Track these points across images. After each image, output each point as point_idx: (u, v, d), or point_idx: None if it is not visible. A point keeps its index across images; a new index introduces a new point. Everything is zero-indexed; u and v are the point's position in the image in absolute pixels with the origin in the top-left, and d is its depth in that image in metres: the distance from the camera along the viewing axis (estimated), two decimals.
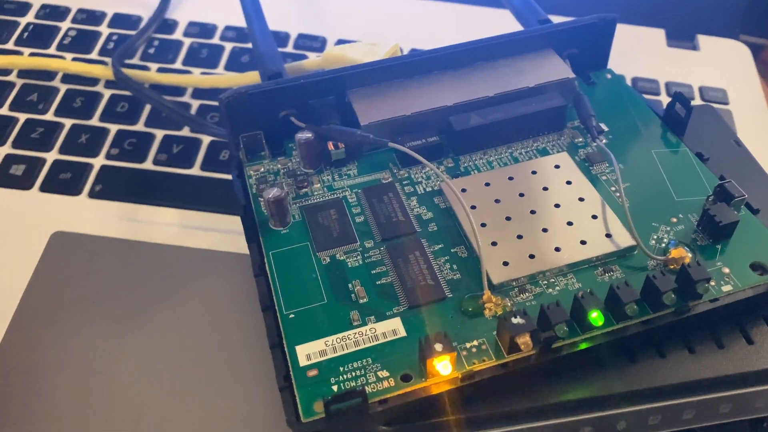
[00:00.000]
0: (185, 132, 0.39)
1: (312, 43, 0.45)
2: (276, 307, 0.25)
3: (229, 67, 0.43)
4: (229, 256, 0.34)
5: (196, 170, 0.37)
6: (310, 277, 0.26)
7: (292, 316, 0.24)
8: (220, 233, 0.35)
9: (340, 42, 0.45)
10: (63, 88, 0.41)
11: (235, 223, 0.35)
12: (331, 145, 0.30)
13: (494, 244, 0.26)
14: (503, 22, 0.39)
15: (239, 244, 0.33)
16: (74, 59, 0.43)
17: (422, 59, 0.31)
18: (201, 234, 0.35)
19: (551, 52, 0.33)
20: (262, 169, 0.30)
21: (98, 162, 0.37)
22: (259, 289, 0.26)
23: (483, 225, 0.27)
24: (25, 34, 0.44)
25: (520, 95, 0.31)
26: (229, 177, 0.37)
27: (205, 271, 0.33)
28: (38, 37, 0.44)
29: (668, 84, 0.44)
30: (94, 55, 0.43)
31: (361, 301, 0.25)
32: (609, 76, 0.35)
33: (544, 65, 0.32)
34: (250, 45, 0.44)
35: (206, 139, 0.39)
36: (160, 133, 0.39)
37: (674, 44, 0.48)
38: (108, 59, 0.42)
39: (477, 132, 0.30)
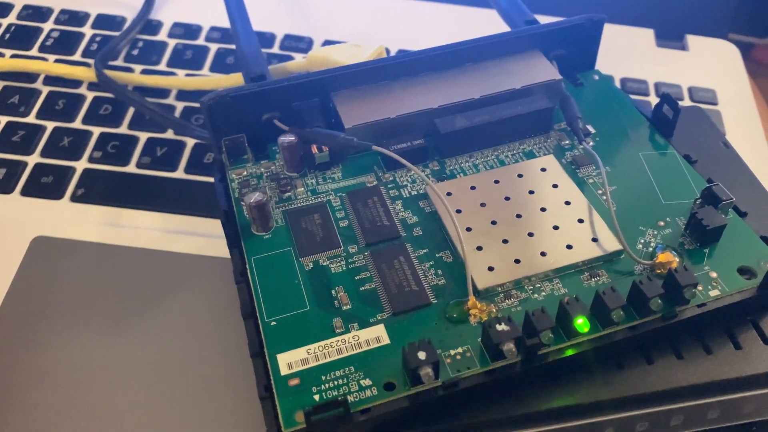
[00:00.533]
0: (169, 134, 0.38)
1: (298, 43, 0.44)
2: (257, 315, 0.24)
3: (214, 69, 0.42)
4: (213, 261, 0.33)
5: (180, 173, 0.37)
6: (292, 284, 0.25)
7: (273, 323, 0.24)
8: (204, 238, 0.34)
9: (327, 43, 0.44)
10: (45, 90, 0.40)
11: (219, 227, 0.35)
12: (315, 149, 0.29)
13: (479, 248, 0.26)
14: (490, 23, 0.38)
15: (223, 249, 0.33)
16: (56, 61, 0.42)
17: (407, 61, 0.31)
18: (184, 238, 0.34)
19: (538, 54, 0.33)
20: (245, 173, 0.30)
21: (81, 165, 0.37)
22: (241, 296, 0.25)
23: (468, 229, 0.26)
24: (7, 36, 0.43)
25: (506, 97, 0.31)
26: (213, 180, 0.36)
27: (188, 276, 0.32)
28: (20, 38, 0.43)
29: (657, 84, 0.44)
30: (77, 57, 0.43)
31: (344, 307, 0.24)
32: (596, 77, 0.34)
33: (531, 67, 0.32)
34: (231, 46, 0.44)
35: (190, 142, 0.38)
36: (143, 136, 0.38)
37: (663, 44, 0.48)
38: (91, 61, 0.42)
39: (463, 134, 0.29)
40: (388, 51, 0.44)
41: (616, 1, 0.48)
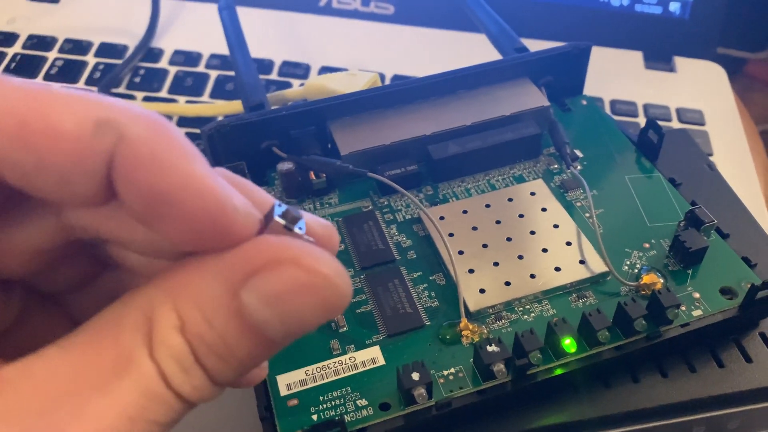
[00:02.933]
0: None
1: (295, 70, 0.45)
2: None
3: (214, 95, 0.44)
4: None
5: None
6: None
7: None
8: None
9: (324, 69, 0.46)
10: None
11: None
12: (312, 175, 0.30)
13: (471, 271, 0.27)
14: (481, 47, 0.40)
15: None
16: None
17: (400, 90, 0.32)
18: None
19: (527, 81, 0.34)
20: None
21: None
22: None
23: (460, 252, 0.27)
24: (13, 65, 0.45)
25: (496, 124, 0.32)
26: None
27: None
28: (25, 68, 0.44)
29: (646, 106, 0.45)
30: (80, 85, 0.44)
31: (341, 329, 0.25)
32: (584, 102, 0.35)
33: (520, 94, 0.33)
34: (231, 73, 0.45)
35: None
36: None
37: (652, 66, 0.49)
38: (95, 88, 0.43)
39: (455, 160, 0.30)
40: (382, 77, 0.45)
41: (604, 24, 0.50)
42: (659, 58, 0.50)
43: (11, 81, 0.14)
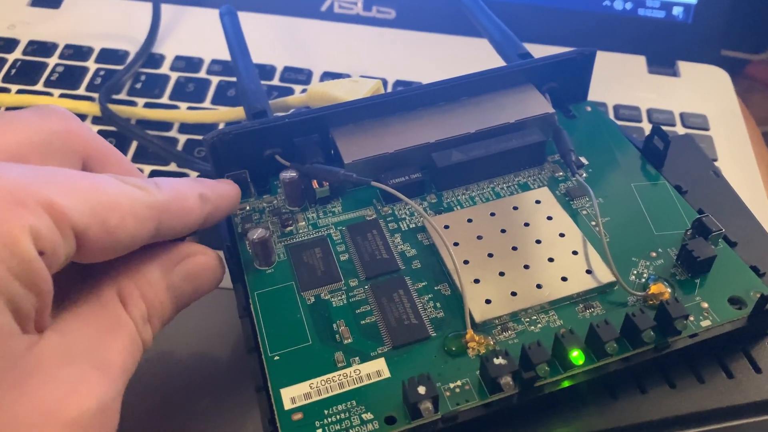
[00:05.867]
0: (172, 167, 0.39)
1: (298, 75, 0.45)
2: (261, 349, 0.25)
3: (215, 101, 0.43)
4: (215, 292, 0.34)
5: None
6: (294, 318, 0.26)
7: (277, 358, 0.25)
8: None
9: (326, 74, 0.45)
10: None
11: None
12: (315, 183, 0.30)
13: (477, 281, 0.26)
14: (484, 53, 0.39)
15: (224, 280, 0.34)
16: (62, 95, 0.43)
17: (403, 97, 0.32)
18: None
19: (531, 88, 0.33)
20: (248, 207, 0.30)
21: None
22: (244, 331, 0.26)
23: (466, 262, 0.27)
24: (13, 71, 0.44)
25: (500, 131, 0.31)
26: None
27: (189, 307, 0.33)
28: (26, 74, 0.44)
29: (650, 111, 0.45)
30: (81, 91, 0.44)
31: (345, 341, 0.25)
32: (589, 108, 0.35)
33: (524, 100, 0.33)
34: (233, 79, 0.45)
35: (193, 174, 0.39)
36: (147, 169, 0.39)
37: (655, 71, 0.49)
38: (95, 95, 0.43)
39: (459, 168, 0.30)
40: (385, 83, 0.45)
41: (607, 29, 0.49)
42: (662, 63, 0.49)
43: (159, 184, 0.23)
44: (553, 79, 0.34)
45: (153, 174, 0.39)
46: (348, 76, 0.45)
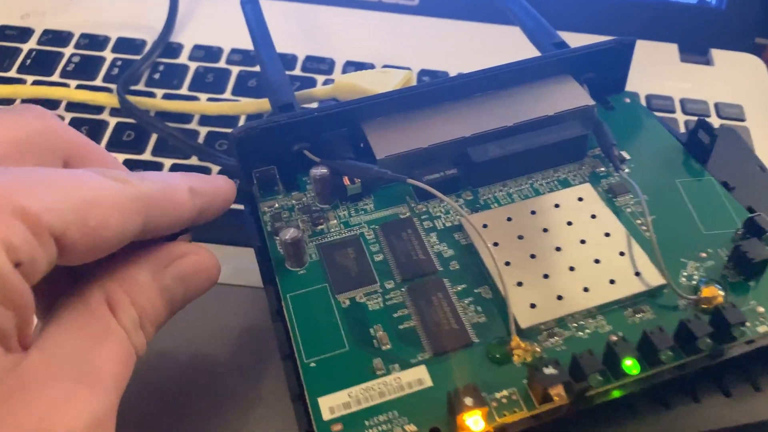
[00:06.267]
0: (193, 161, 0.38)
1: (320, 65, 0.44)
2: (296, 355, 0.24)
3: (236, 92, 0.42)
4: (242, 291, 0.33)
5: None
6: (330, 322, 0.25)
7: (313, 364, 0.24)
8: (231, 266, 0.34)
9: (349, 64, 0.44)
10: (67, 116, 0.40)
11: (244, 255, 0.34)
12: (346, 180, 0.29)
13: (520, 284, 0.25)
14: (511, 40, 0.38)
15: (250, 277, 0.33)
16: (78, 86, 0.42)
17: (436, 89, 0.31)
18: None
19: (569, 78, 0.32)
20: (276, 205, 0.29)
21: None
22: (278, 336, 0.25)
23: (507, 263, 0.26)
24: (28, 61, 0.43)
25: (539, 124, 0.30)
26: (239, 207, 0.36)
27: (215, 307, 0.32)
28: (41, 64, 0.43)
29: (683, 101, 0.44)
30: (98, 82, 0.42)
31: (383, 347, 0.24)
32: (627, 100, 0.34)
33: (563, 92, 0.31)
34: (257, 68, 0.43)
35: (215, 168, 0.38)
36: (168, 162, 0.38)
37: (687, 59, 0.47)
38: (113, 85, 0.42)
39: (496, 163, 0.29)
40: (414, 75, 0.43)
41: (638, 16, 0.48)
42: (695, 51, 0.48)
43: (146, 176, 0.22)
44: (590, 69, 0.33)
45: (174, 168, 0.38)
46: (371, 65, 0.44)
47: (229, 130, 0.40)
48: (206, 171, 0.38)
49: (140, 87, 0.42)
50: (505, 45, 0.45)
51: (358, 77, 0.33)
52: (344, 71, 0.43)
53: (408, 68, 0.43)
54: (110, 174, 0.20)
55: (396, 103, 0.30)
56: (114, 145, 0.39)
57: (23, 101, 0.41)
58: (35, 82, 0.42)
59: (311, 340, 0.24)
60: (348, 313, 0.25)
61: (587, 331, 0.24)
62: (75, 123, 0.40)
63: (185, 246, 0.24)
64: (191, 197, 0.23)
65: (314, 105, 0.34)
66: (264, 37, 0.35)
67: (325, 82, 0.43)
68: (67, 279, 0.23)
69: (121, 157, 0.38)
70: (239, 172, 0.30)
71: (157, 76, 0.43)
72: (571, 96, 0.31)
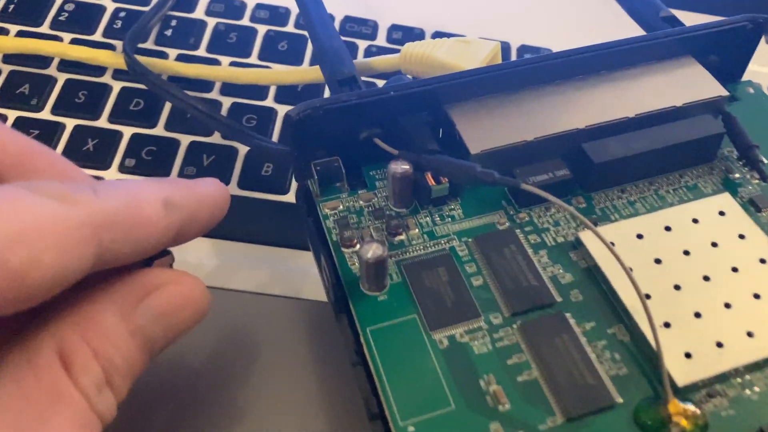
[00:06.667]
0: (216, 138, 0.32)
1: (362, 28, 0.37)
2: (387, 415, 0.18)
3: (264, 56, 0.35)
4: (281, 303, 0.27)
5: (232, 188, 0.30)
6: (426, 368, 0.19)
7: (411, 429, 0.18)
8: (268, 271, 0.28)
9: (395, 28, 0.38)
10: (61, 78, 0.33)
11: (282, 257, 0.29)
12: (430, 178, 0.23)
13: (667, 325, 0.20)
14: (602, 8, 0.32)
15: (295, 285, 0.27)
16: (73, 41, 0.35)
17: (539, 66, 0.25)
18: (245, 272, 0.28)
19: (692, 61, 0.26)
20: (341, 207, 0.23)
21: (110, 176, 0.30)
22: (360, 386, 0.19)
23: (647, 296, 0.20)
24: (11, 7, 0.36)
25: (664, 117, 0.25)
26: (277, 198, 0.30)
27: (258, 321, 0.26)
28: (27, 11, 0.36)
29: None
30: (97, 36, 0.35)
31: (500, 407, 0.19)
32: (751, 90, 0.28)
33: (688, 78, 0.26)
34: (286, 29, 0.37)
35: (242, 149, 0.32)
36: (185, 140, 0.32)
37: None
38: (116, 42, 0.35)
39: (616, 164, 0.23)
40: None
41: None
42: None
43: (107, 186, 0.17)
44: (714, 51, 0.27)
45: (193, 147, 0.31)
46: (421, 30, 0.38)
47: (258, 103, 0.33)
48: (232, 151, 0.31)
49: (149, 45, 0.35)
50: (588, 12, 0.39)
51: (430, 47, 0.27)
52: (389, 37, 0.37)
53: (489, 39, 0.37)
54: (48, 190, 0.16)
55: (488, 83, 0.24)
56: (120, 116, 0.32)
57: (6, 56, 0.33)
58: (20, 33, 0.35)
59: (405, 393, 0.19)
60: (448, 357, 0.20)
61: (756, 389, 0.19)
62: (71, 86, 0.33)
63: (163, 274, 0.19)
64: (167, 213, 0.18)
65: (389, 82, 0.28)
66: None
67: (368, 49, 0.36)
68: (14, 323, 0.17)
69: (129, 131, 0.32)
70: (292, 161, 0.24)
71: (169, 32, 0.36)
72: (699, 83, 0.26)
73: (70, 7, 0.36)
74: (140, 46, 0.35)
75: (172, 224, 0.18)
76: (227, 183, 0.30)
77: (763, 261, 0.21)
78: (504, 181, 0.21)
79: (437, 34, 0.37)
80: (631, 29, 0.29)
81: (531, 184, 0.23)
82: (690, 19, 0.35)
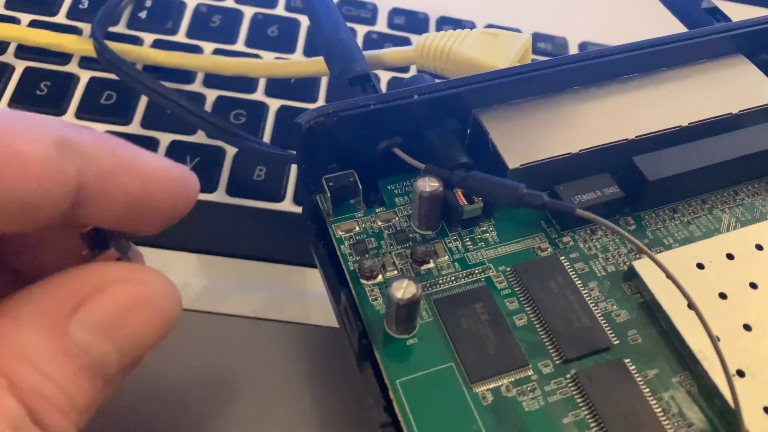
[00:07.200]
0: (200, 137, 0.28)
1: (360, 11, 0.34)
2: None
3: (251, 43, 0.32)
4: (286, 328, 0.24)
5: (219, 195, 0.27)
6: (470, 430, 0.17)
7: None
8: (266, 293, 0.25)
9: (396, 11, 0.34)
10: (20, 66, 0.29)
11: (286, 275, 0.25)
12: (461, 197, 0.20)
13: (741, 374, 0.17)
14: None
15: (297, 307, 0.24)
16: (33, 23, 0.31)
17: (578, 66, 0.22)
18: (238, 293, 0.25)
19: (743, 61, 0.24)
20: (357, 229, 0.20)
21: None
22: None
23: (717, 339, 0.18)
24: None
25: (719, 126, 0.22)
26: (272, 207, 0.27)
27: (252, 351, 0.23)
28: None
29: None
30: (61, 18, 0.31)
31: None
32: None
33: (742, 80, 0.23)
34: (276, 11, 0.33)
35: (230, 150, 0.28)
36: (165, 139, 0.28)
37: None
38: (82, 25, 0.31)
39: (674, 182, 0.21)
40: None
41: None
42: None
43: None
44: (765, 49, 0.24)
45: (175, 147, 0.28)
46: (425, 15, 0.34)
47: (246, 96, 0.30)
48: (219, 153, 0.28)
49: (120, 29, 0.31)
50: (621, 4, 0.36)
51: (453, 39, 0.24)
52: (390, 22, 0.34)
53: (503, 27, 0.34)
54: None
55: (524, 85, 0.21)
56: (88, 111, 0.28)
57: None
58: None
59: None
60: (494, 414, 0.17)
61: None
62: (30, 76, 0.29)
63: (106, 270, 0.15)
64: (60, 156, 0.13)
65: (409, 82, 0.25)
66: None
67: (367, 36, 0.33)
68: None
69: (100, 128, 0.28)
70: (299, 175, 0.21)
71: (143, 14, 0.32)
72: (754, 87, 0.23)
73: None
74: (110, 30, 0.31)
75: (68, 173, 0.13)
76: (214, 189, 0.27)
77: None
78: (555, 205, 0.19)
79: (443, 20, 0.34)
80: (663, 17, 0.27)
81: (579, 205, 0.20)
82: (731, 8, 0.32)
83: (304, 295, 0.25)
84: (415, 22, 0.34)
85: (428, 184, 0.19)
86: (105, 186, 0.14)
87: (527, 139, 0.21)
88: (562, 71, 0.22)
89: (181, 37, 0.31)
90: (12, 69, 0.29)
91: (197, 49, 0.31)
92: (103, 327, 0.14)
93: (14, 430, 0.13)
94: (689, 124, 0.21)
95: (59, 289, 0.14)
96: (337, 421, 0.22)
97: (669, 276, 0.17)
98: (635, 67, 0.23)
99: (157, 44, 0.31)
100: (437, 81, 0.21)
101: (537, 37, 0.34)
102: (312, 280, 0.25)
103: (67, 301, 0.14)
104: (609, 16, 0.35)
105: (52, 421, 0.13)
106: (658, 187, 0.20)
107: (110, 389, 0.15)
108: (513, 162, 0.20)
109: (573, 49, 0.34)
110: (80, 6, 0.32)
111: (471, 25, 0.34)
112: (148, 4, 0.32)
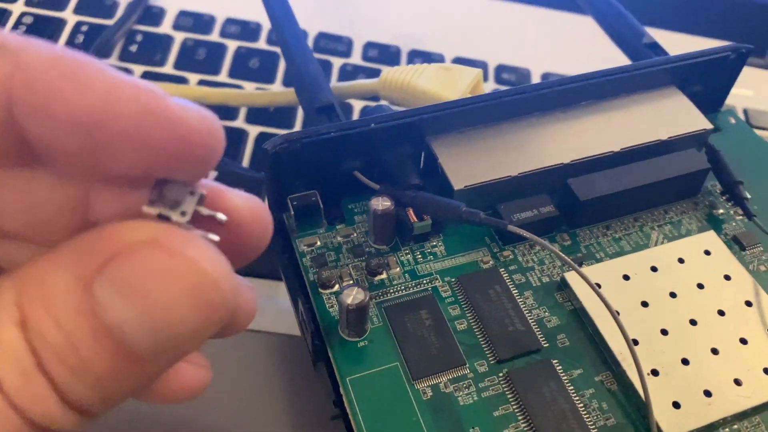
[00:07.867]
0: None
1: (336, 45, 0.36)
2: None
3: (234, 74, 0.34)
4: (263, 339, 0.26)
5: None
6: (410, 422, 0.19)
7: None
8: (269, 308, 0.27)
9: (370, 46, 0.37)
10: None
11: (258, 288, 0.27)
12: (412, 214, 0.22)
13: (655, 373, 0.19)
14: (581, 28, 0.32)
15: (268, 317, 0.26)
16: None
17: (522, 97, 0.24)
18: None
19: (676, 92, 0.26)
20: (318, 243, 0.22)
21: None
22: None
23: (634, 342, 0.20)
24: None
25: (650, 151, 0.24)
26: None
27: (227, 360, 0.25)
28: None
29: (747, 111, 0.39)
30: None
31: None
32: (732, 120, 0.28)
33: (673, 110, 0.25)
34: (258, 45, 0.36)
35: (211, 174, 0.30)
36: None
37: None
38: None
39: (602, 201, 0.23)
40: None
41: (696, 12, 0.42)
42: (753, 53, 0.42)
43: None
44: (697, 81, 0.27)
45: None
46: (397, 48, 0.37)
47: (228, 124, 0.32)
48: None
49: (113, 61, 0.34)
50: (567, 34, 0.39)
51: (411, 73, 0.26)
52: (365, 54, 0.36)
53: (467, 59, 0.36)
54: None
55: (472, 115, 0.24)
56: None
57: None
58: None
59: None
60: (432, 408, 0.19)
61: None
62: None
63: (142, 228, 0.12)
64: None
65: (368, 111, 0.27)
66: (287, 14, 0.28)
67: (343, 68, 0.35)
68: None
69: None
70: (268, 195, 0.23)
71: (134, 47, 0.34)
72: (683, 116, 0.25)
73: (28, 20, 0.34)
74: (104, 60, 0.33)
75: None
76: None
77: (748, 304, 0.21)
78: (489, 222, 0.21)
79: (414, 53, 0.37)
80: (612, 50, 0.29)
81: (516, 222, 0.22)
82: (671, 40, 0.35)
83: (273, 304, 0.27)
84: (388, 55, 0.36)
85: (381, 203, 0.21)
86: (46, 100, 0.11)
87: (473, 163, 0.23)
88: (508, 102, 0.24)
89: (168, 68, 0.34)
90: None
91: (183, 80, 0.33)
92: (125, 289, 0.12)
93: (16, 365, 0.12)
94: (621, 149, 0.24)
95: (95, 242, 0.12)
96: (306, 423, 0.24)
97: (591, 286, 0.20)
98: (576, 98, 0.25)
99: (146, 75, 0.33)
100: (395, 110, 0.24)
101: (502, 69, 0.37)
102: (282, 291, 0.27)
103: (99, 254, 0.12)
104: (569, 48, 0.38)
105: (58, 375, 0.12)
106: (589, 206, 0.23)
107: (143, 372, 0.13)
108: (458, 183, 0.22)
109: (536, 79, 0.37)
110: (76, 41, 0.34)
111: (440, 58, 0.37)
112: (139, 38, 0.35)
